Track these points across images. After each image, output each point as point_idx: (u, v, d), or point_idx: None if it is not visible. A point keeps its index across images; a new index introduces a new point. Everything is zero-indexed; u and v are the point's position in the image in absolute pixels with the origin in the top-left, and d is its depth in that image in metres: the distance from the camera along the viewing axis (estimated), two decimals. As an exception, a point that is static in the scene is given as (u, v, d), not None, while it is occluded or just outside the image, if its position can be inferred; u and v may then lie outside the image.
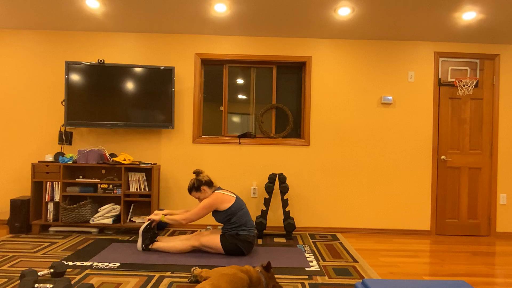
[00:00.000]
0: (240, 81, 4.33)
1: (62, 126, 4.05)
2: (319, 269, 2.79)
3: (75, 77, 3.86)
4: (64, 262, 2.78)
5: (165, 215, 3.19)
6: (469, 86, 3.96)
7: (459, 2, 3.19)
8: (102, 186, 3.83)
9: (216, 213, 3.17)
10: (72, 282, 2.41)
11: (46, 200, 3.75)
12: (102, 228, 3.93)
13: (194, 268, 2.47)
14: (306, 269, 2.78)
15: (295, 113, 4.33)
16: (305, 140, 4.16)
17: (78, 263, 2.78)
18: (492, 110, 4.19)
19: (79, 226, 3.80)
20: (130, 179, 3.86)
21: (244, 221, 3.12)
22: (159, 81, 3.94)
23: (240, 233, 3.09)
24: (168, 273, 2.63)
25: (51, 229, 3.77)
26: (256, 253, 3.17)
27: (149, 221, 3.21)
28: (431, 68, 4.17)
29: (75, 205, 3.67)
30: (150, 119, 3.93)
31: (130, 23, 3.87)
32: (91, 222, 3.72)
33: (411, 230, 4.15)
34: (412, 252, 3.40)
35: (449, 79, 4.19)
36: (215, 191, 3.20)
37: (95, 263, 2.79)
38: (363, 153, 4.17)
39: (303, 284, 2.46)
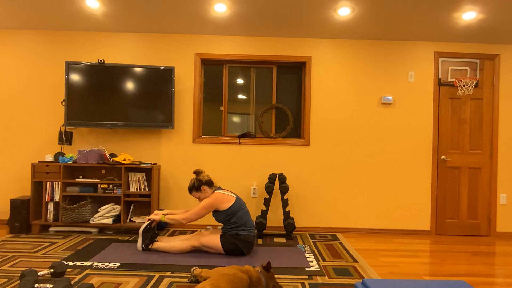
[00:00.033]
0: (240, 81, 4.34)
1: (62, 126, 4.05)
2: (319, 269, 2.79)
3: (75, 77, 3.86)
4: (64, 262, 2.78)
5: (165, 215, 3.19)
6: (469, 86, 3.96)
7: (459, 2, 3.19)
8: (102, 186, 3.83)
9: (216, 213, 3.17)
10: (72, 282, 2.41)
11: (46, 200, 3.75)
12: (102, 228, 3.93)
13: (194, 268, 2.47)
14: (306, 269, 2.78)
15: (295, 113, 4.33)
16: (305, 140, 4.16)
17: (78, 263, 2.78)
18: (492, 110, 4.19)
19: (79, 226, 3.80)
20: (130, 179, 3.86)
21: (244, 221, 3.12)
22: (159, 81, 3.94)
23: (240, 233, 3.09)
24: (168, 273, 2.63)
25: (51, 229, 3.77)
26: (256, 253, 3.17)
27: (149, 221, 3.21)
28: (431, 68, 4.17)
29: (75, 205, 3.67)
30: (150, 119, 3.93)
31: (130, 23, 3.87)
32: (91, 222, 3.72)
33: (411, 230, 4.15)
34: (412, 252, 3.40)
35: (449, 79, 4.19)
36: (215, 191, 3.20)
37: (95, 263, 2.79)
38: (363, 153, 4.17)
39: (303, 284, 2.46)
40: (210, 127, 4.31)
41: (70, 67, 3.85)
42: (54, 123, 4.12)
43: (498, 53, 4.18)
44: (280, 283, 2.42)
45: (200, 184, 3.20)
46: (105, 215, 3.75)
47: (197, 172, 3.27)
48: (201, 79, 4.24)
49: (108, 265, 2.75)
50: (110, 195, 3.81)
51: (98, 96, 3.88)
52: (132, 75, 3.91)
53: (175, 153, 4.14)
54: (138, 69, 3.91)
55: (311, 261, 2.98)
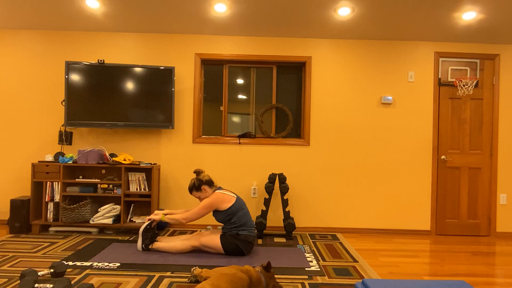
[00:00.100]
0: (240, 81, 4.34)
1: (62, 126, 4.05)
2: (319, 269, 2.79)
3: (75, 77, 3.86)
4: (64, 262, 2.78)
5: (165, 214, 3.19)
6: (469, 86, 3.96)
7: (459, 2, 3.19)
8: (102, 186, 3.83)
9: (217, 213, 3.17)
10: (72, 282, 2.41)
11: (46, 200, 3.75)
12: (102, 228, 3.93)
13: (194, 268, 2.47)
14: (306, 269, 2.78)
15: (295, 113, 4.33)
16: (305, 140, 4.16)
17: (78, 263, 2.78)
18: (492, 110, 4.19)
19: (79, 226, 3.80)
20: (130, 179, 3.86)
21: (244, 221, 3.12)
22: (159, 81, 3.94)
23: (240, 233, 3.09)
24: (168, 273, 2.63)
25: (51, 229, 3.77)
26: (256, 253, 3.17)
27: (149, 221, 3.21)
28: (431, 68, 4.17)
29: (75, 205, 3.67)
30: (150, 119, 3.93)
31: (130, 23, 3.87)
32: (91, 222, 3.72)
33: (411, 230, 4.15)
34: (412, 252, 3.40)
35: (449, 79, 4.19)
36: (216, 191, 3.20)
37: (95, 263, 2.79)
38: (363, 153, 4.17)
39: (303, 284, 2.46)
40: (210, 127, 4.32)
41: (70, 67, 3.85)
42: (54, 123, 4.12)
43: (498, 53, 4.18)
44: (280, 283, 2.42)
45: (200, 184, 3.20)
46: (105, 215, 3.75)
47: (198, 172, 3.27)
48: (201, 79, 4.24)
49: (108, 265, 2.75)
50: (110, 195, 3.81)
51: (98, 96, 3.88)
52: (132, 75, 3.91)
53: (175, 153, 4.14)
54: (138, 69, 3.91)
55: (311, 261, 2.98)
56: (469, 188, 4.17)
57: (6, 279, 2.44)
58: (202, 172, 3.28)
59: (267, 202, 3.83)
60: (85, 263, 2.78)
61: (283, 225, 4.12)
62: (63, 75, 4.12)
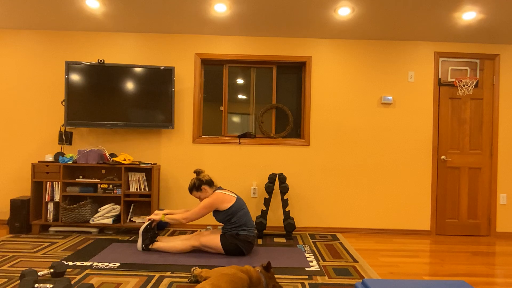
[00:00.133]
0: (240, 81, 4.34)
1: (62, 126, 4.05)
2: (319, 269, 2.79)
3: (75, 77, 3.86)
4: (64, 262, 2.78)
5: (165, 214, 3.19)
6: (469, 86, 3.96)
7: (459, 2, 3.19)
8: (102, 186, 3.83)
9: (217, 213, 3.17)
10: (72, 282, 2.41)
11: (46, 200, 3.75)
12: (102, 228, 3.93)
13: (194, 268, 2.47)
14: (306, 269, 2.78)
15: (295, 113, 4.33)
16: (305, 140, 4.16)
17: (78, 263, 2.78)
18: (492, 110, 4.19)
19: (79, 226, 3.80)
20: (130, 179, 3.86)
21: (244, 221, 3.12)
22: (159, 81, 3.94)
23: (240, 233, 3.09)
24: (168, 273, 2.63)
25: (51, 229, 3.77)
26: (256, 253, 3.17)
27: (149, 221, 3.21)
28: (431, 68, 4.17)
29: (75, 205, 3.67)
30: (150, 119, 3.93)
31: (130, 23, 3.87)
32: (91, 222, 3.72)
33: (411, 230, 4.15)
34: (412, 252, 3.40)
35: (449, 79, 4.19)
36: (216, 191, 3.20)
37: (95, 263, 2.79)
38: (363, 153, 4.17)
39: (303, 284, 2.46)
40: (210, 127, 4.32)
41: (70, 67, 3.85)
42: (54, 123, 4.12)
43: (498, 53, 4.18)
44: (280, 283, 2.42)
45: (200, 184, 3.20)
46: (105, 215, 3.75)
47: (198, 172, 3.27)
48: (201, 79, 4.24)
49: (108, 265, 2.75)
50: (110, 195, 3.81)
51: (98, 96, 3.88)
52: (132, 75, 3.91)
53: (175, 153, 4.14)
54: (138, 69, 3.91)
55: (311, 261, 2.98)
56: (469, 188, 4.17)
57: (6, 279, 2.44)
58: (202, 172, 3.28)
59: (267, 202, 3.83)
60: (85, 263, 2.78)
61: (283, 225, 4.12)
62: (63, 75, 4.12)
